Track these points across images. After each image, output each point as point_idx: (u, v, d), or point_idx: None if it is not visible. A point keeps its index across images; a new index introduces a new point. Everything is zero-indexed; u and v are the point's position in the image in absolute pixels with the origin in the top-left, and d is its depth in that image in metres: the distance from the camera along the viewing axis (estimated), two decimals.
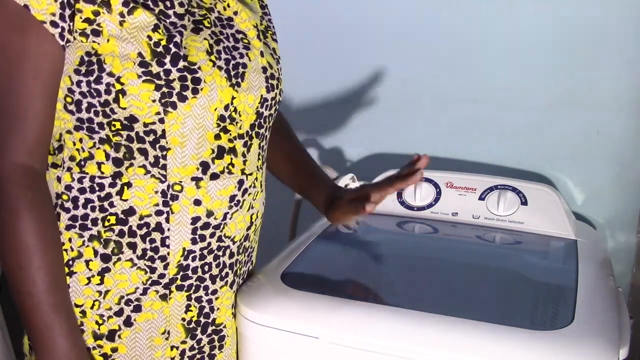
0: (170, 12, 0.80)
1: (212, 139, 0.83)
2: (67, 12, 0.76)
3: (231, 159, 0.86)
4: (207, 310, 0.90)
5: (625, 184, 1.40)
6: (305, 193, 1.13)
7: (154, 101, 0.78)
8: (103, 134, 0.80)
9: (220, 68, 0.82)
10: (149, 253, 0.84)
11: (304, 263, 1.06)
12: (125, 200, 0.81)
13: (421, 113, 1.52)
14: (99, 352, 0.85)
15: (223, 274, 0.91)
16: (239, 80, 0.84)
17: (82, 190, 0.81)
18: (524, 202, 1.25)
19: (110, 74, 0.77)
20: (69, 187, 0.82)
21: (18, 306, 0.77)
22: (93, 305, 0.84)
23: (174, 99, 0.78)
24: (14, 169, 0.77)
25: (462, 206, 1.28)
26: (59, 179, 0.82)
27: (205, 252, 0.87)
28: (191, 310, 0.89)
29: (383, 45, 1.52)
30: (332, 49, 1.56)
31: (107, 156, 0.81)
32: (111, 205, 0.82)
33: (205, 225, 0.85)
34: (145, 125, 0.79)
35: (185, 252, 0.85)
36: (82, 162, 0.81)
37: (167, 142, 0.80)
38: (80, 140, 0.81)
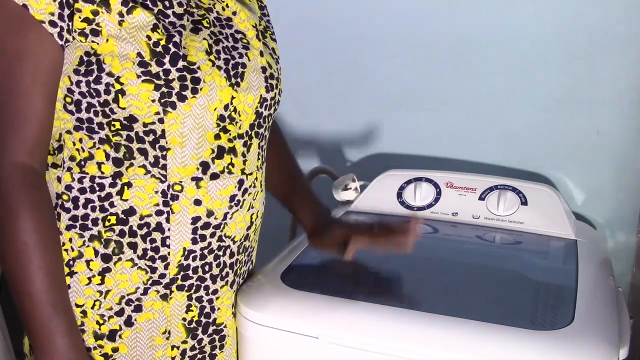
0: (169, 12, 0.80)
1: (212, 139, 0.83)
2: (66, 11, 0.76)
3: (231, 158, 0.86)
4: (207, 310, 0.90)
5: (625, 184, 1.40)
6: (290, 206, 1.10)
7: (153, 101, 0.78)
8: (103, 134, 0.80)
9: (219, 68, 0.82)
10: (150, 253, 0.84)
11: (304, 263, 1.06)
12: (126, 200, 0.82)
13: (421, 113, 1.52)
14: (100, 352, 0.85)
15: (223, 273, 0.91)
16: (239, 80, 0.84)
17: (82, 190, 0.81)
18: (524, 202, 1.25)
19: (110, 74, 0.77)
20: (69, 187, 0.82)
21: (17, 306, 0.77)
22: (94, 305, 0.84)
23: (174, 98, 0.78)
24: (14, 168, 0.77)
25: (462, 206, 1.28)
26: (59, 179, 0.82)
27: (205, 251, 0.87)
28: (192, 310, 0.89)
29: (383, 45, 1.52)
30: (332, 48, 1.56)
31: (107, 156, 0.81)
32: (111, 205, 0.82)
33: (206, 225, 0.85)
34: (145, 125, 0.79)
35: (186, 252, 0.85)
36: (82, 162, 0.81)
37: (166, 142, 0.80)
38: (80, 140, 0.81)
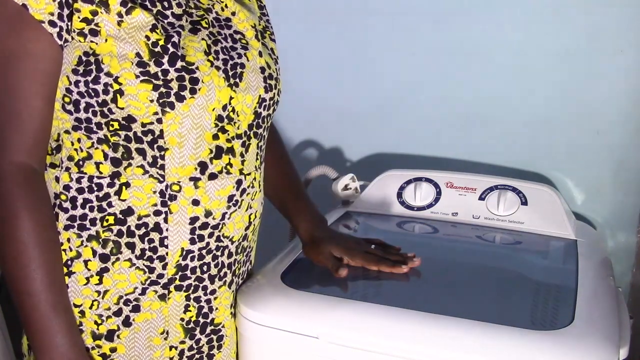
0: (168, 12, 0.80)
1: (210, 139, 0.83)
2: (65, 11, 0.76)
3: (229, 159, 0.85)
4: (205, 310, 0.90)
5: (625, 184, 1.40)
6: (285, 212, 1.09)
7: (151, 101, 0.78)
8: (101, 134, 0.80)
9: (218, 68, 0.82)
10: (148, 253, 0.84)
11: (304, 263, 1.05)
12: (124, 200, 0.81)
13: (421, 113, 1.52)
14: (98, 352, 0.85)
15: (222, 273, 0.91)
16: (237, 80, 0.84)
17: (80, 190, 0.81)
18: (524, 202, 1.25)
19: (108, 74, 0.77)
20: (67, 187, 0.82)
21: (17, 305, 0.77)
22: (92, 305, 0.84)
23: (172, 99, 0.78)
24: (13, 168, 0.77)
25: (462, 206, 1.28)
26: (57, 179, 0.82)
27: (203, 252, 0.87)
28: (190, 310, 0.88)
29: (383, 45, 1.52)
30: (332, 48, 1.56)
31: (106, 156, 0.80)
32: (109, 205, 0.82)
33: (204, 225, 0.85)
34: (143, 125, 0.79)
35: (184, 252, 0.85)
36: (81, 162, 0.81)
37: (165, 142, 0.80)
38: (79, 140, 0.80)
